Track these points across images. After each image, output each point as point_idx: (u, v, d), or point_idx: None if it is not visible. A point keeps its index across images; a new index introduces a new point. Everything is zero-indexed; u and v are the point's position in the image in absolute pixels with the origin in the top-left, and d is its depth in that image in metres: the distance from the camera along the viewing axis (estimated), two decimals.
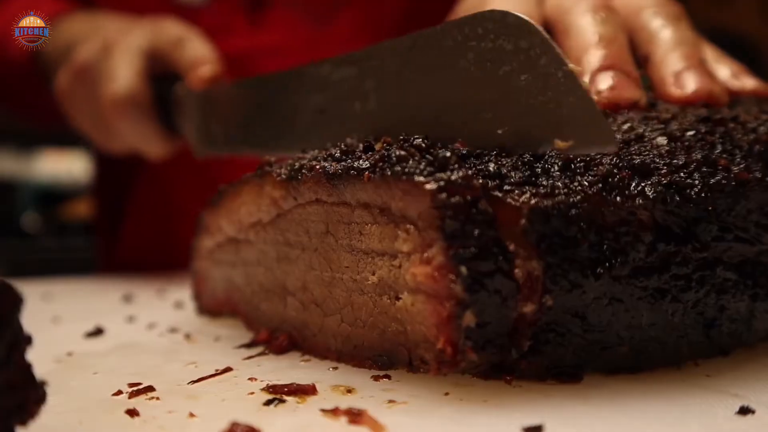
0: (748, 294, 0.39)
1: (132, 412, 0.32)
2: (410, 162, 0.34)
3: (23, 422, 0.27)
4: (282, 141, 0.54)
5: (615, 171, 0.36)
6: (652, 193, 0.35)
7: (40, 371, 0.27)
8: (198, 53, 0.71)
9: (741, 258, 0.38)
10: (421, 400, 0.33)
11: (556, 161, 0.36)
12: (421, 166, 0.33)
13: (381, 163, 0.35)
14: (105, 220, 1.04)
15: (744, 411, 0.31)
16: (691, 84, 0.45)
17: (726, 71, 0.50)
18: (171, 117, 0.73)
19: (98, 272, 1.01)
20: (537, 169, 0.36)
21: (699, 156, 0.38)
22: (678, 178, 0.36)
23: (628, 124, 0.41)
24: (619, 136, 0.39)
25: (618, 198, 0.35)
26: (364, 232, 0.37)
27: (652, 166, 0.37)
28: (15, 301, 0.26)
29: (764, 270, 0.39)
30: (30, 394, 0.27)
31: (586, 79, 0.44)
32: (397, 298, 0.36)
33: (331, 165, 0.37)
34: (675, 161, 0.37)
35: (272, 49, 0.87)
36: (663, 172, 0.36)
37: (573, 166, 0.36)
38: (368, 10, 0.87)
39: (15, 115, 1.02)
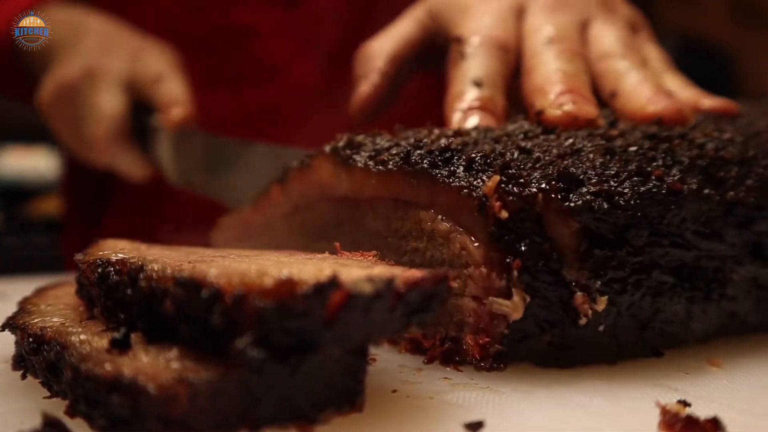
0: (685, 297, 0.40)
1: None
2: None
3: None
4: (234, 194, 0.63)
5: (544, 185, 0.37)
6: (579, 202, 0.37)
7: None
8: (172, 94, 0.74)
9: (679, 262, 0.39)
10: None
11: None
12: None
13: None
14: (77, 218, 1.03)
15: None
16: (661, 103, 0.49)
17: (689, 95, 0.53)
18: (148, 144, 0.77)
19: (68, 271, 0.99)
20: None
21: (632, 167, 0.39)
22: (607, 187, 0.38)
23: (571, 140, 0.42)
24: (555, 151, 0.40)
25: (550, 207, 0.36)
26: None
27: (582, 177, 0.38)
28: None
29: (702, 274, 0.40)
30: None
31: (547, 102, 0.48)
32: None
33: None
34: (607, 172, 0.38)
35: (242, 31, 0.88)
36: (593, 182, 0.38)
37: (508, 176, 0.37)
38: None
39: None
